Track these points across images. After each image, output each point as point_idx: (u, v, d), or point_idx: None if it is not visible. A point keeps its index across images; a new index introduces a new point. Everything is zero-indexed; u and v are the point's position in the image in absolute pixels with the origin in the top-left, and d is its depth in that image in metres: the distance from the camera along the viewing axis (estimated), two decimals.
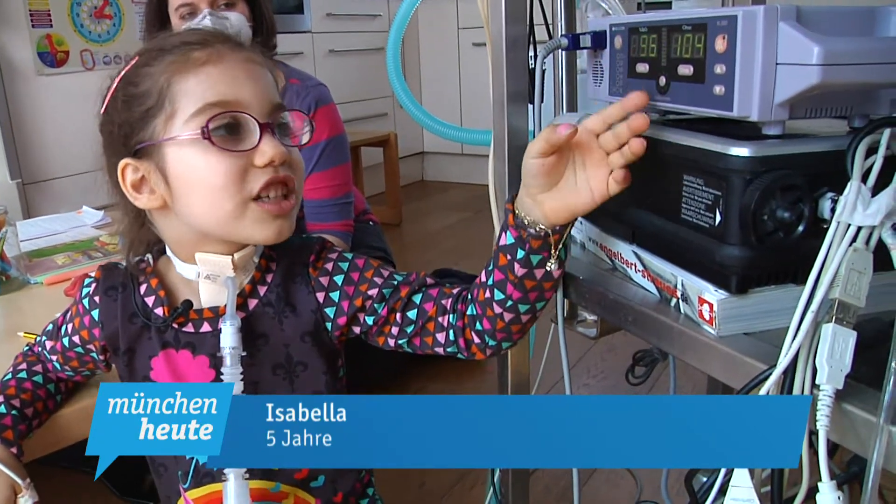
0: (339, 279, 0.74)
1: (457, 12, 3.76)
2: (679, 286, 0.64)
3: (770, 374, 0.51)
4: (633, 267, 0.72)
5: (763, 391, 0.51)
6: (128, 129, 0.68)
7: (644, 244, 0.70)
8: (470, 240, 3.02)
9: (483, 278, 0.69)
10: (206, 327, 0.73)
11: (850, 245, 0.50)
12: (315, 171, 1.61)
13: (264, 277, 0.74)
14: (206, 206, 0.67)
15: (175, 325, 0.73)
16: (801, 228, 0.54)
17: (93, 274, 0.79)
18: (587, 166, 0.62)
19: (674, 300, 0.65)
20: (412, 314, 0.72)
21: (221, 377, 0.68)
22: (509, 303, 0.67)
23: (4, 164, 2.18)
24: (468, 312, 0.70)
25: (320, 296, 0.73)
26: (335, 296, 0.74)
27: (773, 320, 0.59)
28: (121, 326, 0.74)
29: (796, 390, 0.50)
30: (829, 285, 0.50)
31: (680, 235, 0.62)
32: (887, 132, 0.53)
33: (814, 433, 0.48)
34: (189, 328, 0.73)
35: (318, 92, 1.67)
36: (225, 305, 0.70)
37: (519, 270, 0.65)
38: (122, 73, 0.70)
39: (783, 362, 0.50)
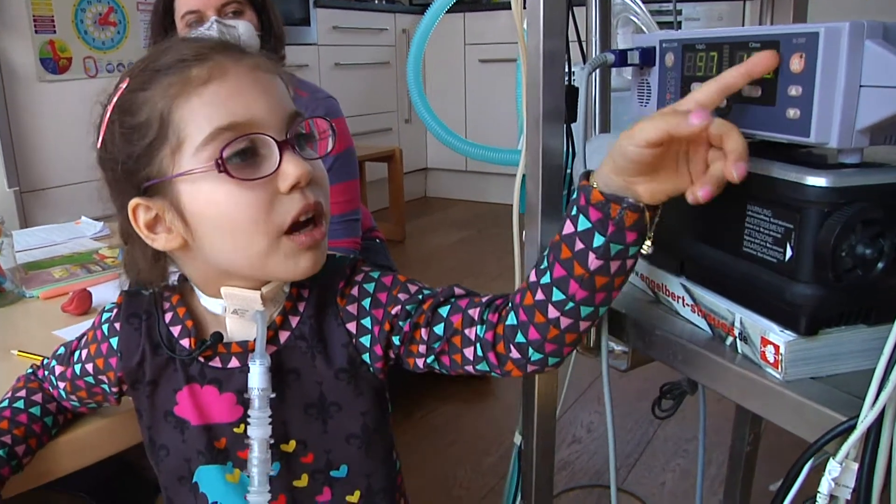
0: (366, 303, 0.67)
1: (464, 28, 3.75)
2: (737, 324, 0.59)
3: (850, 425, 0.47)
4: (680, 301, 0.67)
5: (845, 448, 0.46)
6: (131, 166, 0.61)
7: (693, 277, 0.65)
8: (474, 258, 2.98)
9: (534, 278, 0.60)
10: (234, 363, 0.67)
11: None
12: None
13: (296, 307, 0.68)
14: (234, 245, 0.61)
15: (201, 359, 0.68)
16: (881, 265, 0.50)
17: (115, 300, 0.73)
18: (692, 157, 0.53)
19: (730, 339, 0.60)
20: (439, 329, 0.65)
21: (248, 418, 0.63)
22: (569, 304, 0.58)
23: (2, 171, 2.13)
24: (508, 322, 0.62)
25: (351, 326, 0.67)
26: (367, 322, 0.67)
27: (842, 364, 0.55)
28: (147, 357, 0.69)
29: (883, 448, 0.45)
30: None
31: (740, 270, 0.57)
32: None
33: None
34: (216, 363, 0.68)
35: (327, 105, 1.63)
36: (254, 340, 0.65)
37: (593, 262, 0.56)
38: (115, 99, 0.62)
39: (868, 417, 0.45)
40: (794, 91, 0.51)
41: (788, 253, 0.52)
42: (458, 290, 0.68)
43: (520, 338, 0.62)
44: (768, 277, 0.55)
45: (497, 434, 1.65)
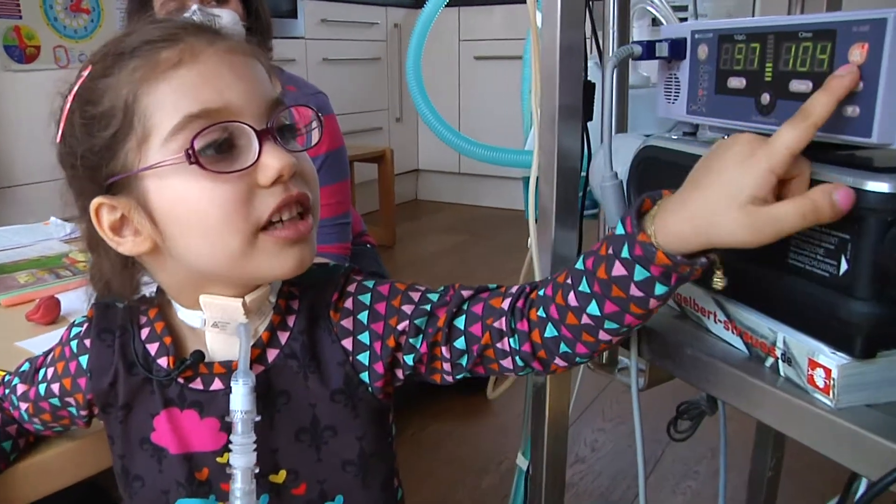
0: (363, 317, 0.64)
1: (458, 24, 3.72)
2: (779, 344, 0.55)
3: None
4: (711, 316, 0.64)
5: None
6: (93, 161, 0.57)
7: (727, 290, 0.62)
8: (467, 264, 2.95)
9: (574, 302, 0.57)
10: (217, 384, 0.63)
11: None
12: None
13: (285, 321, 0.64)
14: (207, 245, 0.57)
15: (181, 381, 0.64)
16: None
17: (85, 311, 0.69)
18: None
19: (770, 360, 0.57)
20: (460, 343, 0.62)
21: (230, 445, 0.59)
22: (624, 330, 0.58)
23: None
24: (547, 334, 0.59)
25: (347, 343, 0.63)
26: (365, 338, 0.63)
27: None
28: (120, 377, 0.65)
29: None
30: None
31: (785, 284, 0.54)
32: None
33: None
34: (197, 384, 0.64)
35: (317, 101, 1.59)
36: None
37: (653, 304, 0.55)
38: (76, 88, 0.59)
39: None
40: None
41: (843, 266, 0.49)
42: (465, 293, 0.64)
43: (564, 348, 0.60)
44: (818, 293, 0.51)
45: (495, 452, 1.61)
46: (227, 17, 1.45)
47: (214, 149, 0.55)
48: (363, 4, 3.58)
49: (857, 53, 0.47)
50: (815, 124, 0.47)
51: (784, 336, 0.55)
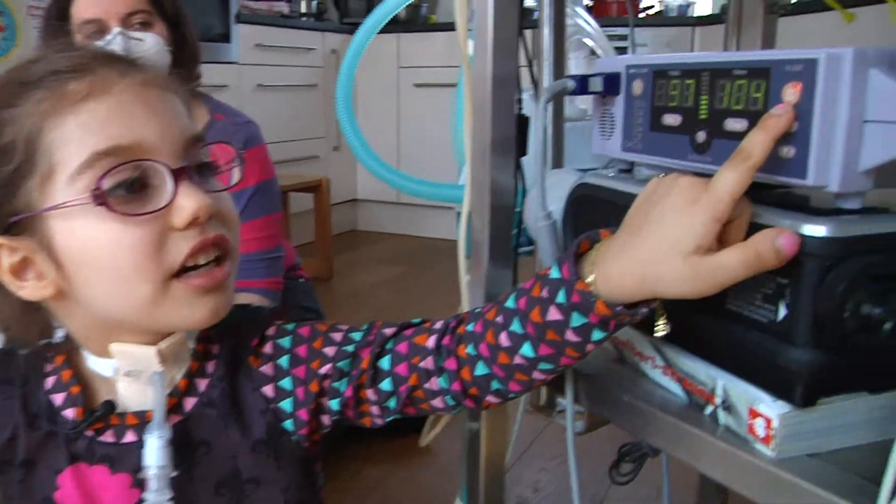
0: (284, 361, 0.62)
1: (397, 50, 3.72)
2: (718, 391, 0.54)
3: None
4: (649, 361, 0.62)
5: None
6: None
7: (666, 335, 0.61)
8: (407, 296, 2.92)
9: (506, 342, 0.56)
10: (129, 436, 0.60)
11: None
12: (241, 220, 1.48)
13: (204, 367, 0.62)
14: (116, 291, 0.55)
15: (90, 433, 0.60)
16: (888, 326, 0.46)
17: None
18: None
19: (709, 407, 0.55)
20: (386, 385, 0.60)
21: (144, 503, 0.56)
22: (560, 368, 0.57)
23: None
24: (478, 373, 0.58)
25: (268, 390, 0.61)
26: (286, 384, 0.61)
27: (842, 438, 0.50)
28: (21, 433, 0.61)
29: None
30: None
31: (724, 330, 0.53)
32: None
33: None
34: (108, 437, 0.60)
35: (247, 130, 1.56)
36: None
37: (590, 347, 0.54)
38: None
39: None
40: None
41: (782, 312, 0.48)
42: (387, 331, 0.62)
43: (497, 386, 0.59)
44: (757, 339, 0.50)
45: (434, 496, 1.57)
46: (151, 41, 1.40)
47: (125, 188, 0.53)
48: (299, 29, 3.55)
49: (791, 93, 0.46)
50: (755, 165, 0.46)
51: (723, 383, 0.54)
